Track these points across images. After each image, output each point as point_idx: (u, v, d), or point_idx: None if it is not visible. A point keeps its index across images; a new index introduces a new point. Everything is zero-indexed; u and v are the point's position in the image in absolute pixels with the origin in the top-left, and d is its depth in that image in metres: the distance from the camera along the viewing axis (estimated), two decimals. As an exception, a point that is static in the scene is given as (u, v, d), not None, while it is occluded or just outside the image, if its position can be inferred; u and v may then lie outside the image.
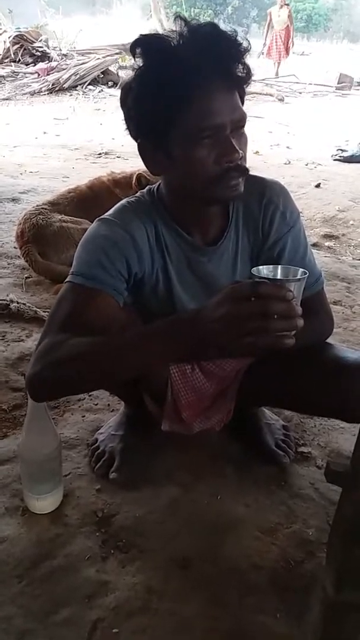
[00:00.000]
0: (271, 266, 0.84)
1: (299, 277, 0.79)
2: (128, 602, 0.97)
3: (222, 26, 0.89)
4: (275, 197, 1.06)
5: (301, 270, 0.81)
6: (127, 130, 0.97)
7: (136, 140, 0.97)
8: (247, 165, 0.96)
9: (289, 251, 1.08)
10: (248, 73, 0.92)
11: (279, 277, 0.82)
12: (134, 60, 0.90)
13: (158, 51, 0.88)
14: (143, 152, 0.97)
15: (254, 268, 0.80)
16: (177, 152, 0.92)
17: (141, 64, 0.90)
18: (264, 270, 0.81)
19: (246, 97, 0.96)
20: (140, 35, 0.91)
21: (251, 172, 1.00)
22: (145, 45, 0.89)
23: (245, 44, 0.89)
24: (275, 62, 10.90)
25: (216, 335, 0.79)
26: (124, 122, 0.96)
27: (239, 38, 0.88)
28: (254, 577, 1.03)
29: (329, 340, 1.18)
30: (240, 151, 0.91)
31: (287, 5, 10.94)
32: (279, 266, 0.84)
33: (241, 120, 0.91)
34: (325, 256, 2.75)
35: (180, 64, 0.85)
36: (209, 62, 0.86)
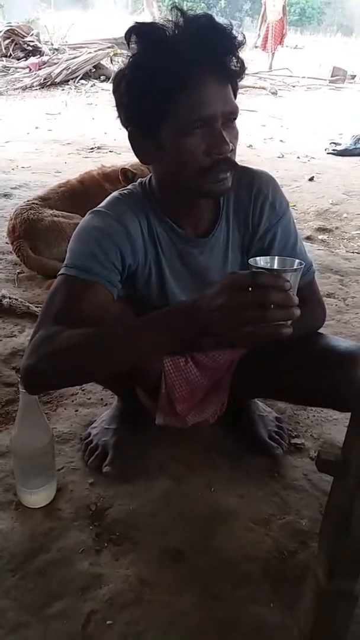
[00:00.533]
0: (268, 257, 0.84)
1: (295, 267, 0.80)
2: (122, 594, 0.97)
3: (217, 19, 0.88)
4: (265, 187, 1.06)
5: (297, 260, 0.81)
6: (118, 119, 0.96)
7: (126, 129, 0.96)
8: (239, 158, 0.96)
9: (279, 241, 1.08)
10: (241, 67, 0.91)
11: (275, 267, 0.83)
12: (128, 47, 0.90)
13: (152, 40, 0.87)
14: (133, 140, 0.97)
15: (251, 259, 0.81)
16: (167, 142, 0.92)
17: (135, 52, 0.89)
18: (261, 261, 0.81)
19: (239, 90, 0.96)
20: (135, 22, 0.90)
21: (241, 164, 0.99)
22: (140, 33, 0.89)
23: (240, 38, 0.89)
24: (269, 54, 10.86)
25: (214, 325, 0.79)
26: (115, 109, 0.95)
27: (233, 31, 0.88)
28: (247, 568, 1.03)
29: (322, 331, 1.18)
30: (231, 144, 0.90)
31: None
32: (276, 257, 0.85)
33: (233, 113, 0.91)
34: (319, 249, 2.75)
35: (174, 54, 0.85)
36: (203, 54, 0.85)
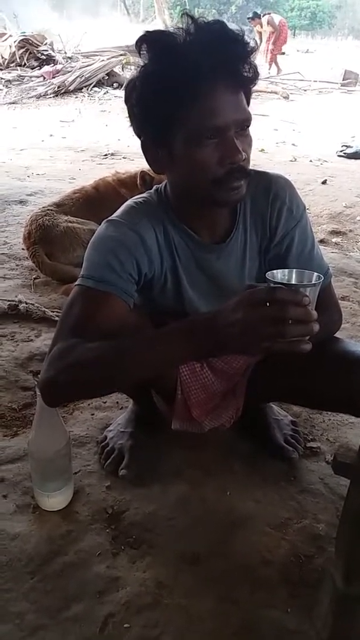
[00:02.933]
0: (286, 270, 0.83)
1: (314, 281, 0.79)
2: (139, 597, 0.97)
3: (229, 25, 0.88)
4: (282, 191, 1.06)
5: (316, 274, 0.80)
6: (130, 127, 0.97)
7: (139, 138, 0.97)
8: (251, 163, 0.96)
9: (296, 245, 1.07)
10: (254, 73, 0.91)
11: (293, 281, 0.82)
12: (139, 56, 0.90)
13: (163, 48, 0.88)
14: (145, 149, 0.97)
15: (269, 272, 0.80)
16: (179, 152, 0.92)
17: (146, 61, 0.89)
18: (279, 275, 0.80)
19: (251, 96, 0.95)
20: (146, 31, 0.90)
21: (256, 168, 0.99)
22: (150, 41, 0.89)
23: (252, 44, 0.89)
24: (268, 63, 11.00)
25: (232, 340, 0.80)
26: (127, 118, 0.96)
27: (245, 37, 0.88)
28: (264, 572, 1.03)
29: (337, 335, 1.18)
30: (244, 153, 0.90)
31: (264, 17, 11.18)
32: (294, 270, 0.83)
33: (246, 121, 0.91)
34: (333, 252, 2.74)
35: (185, 63, 0.85)
36: (214, 62, 0.85)
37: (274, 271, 0.81)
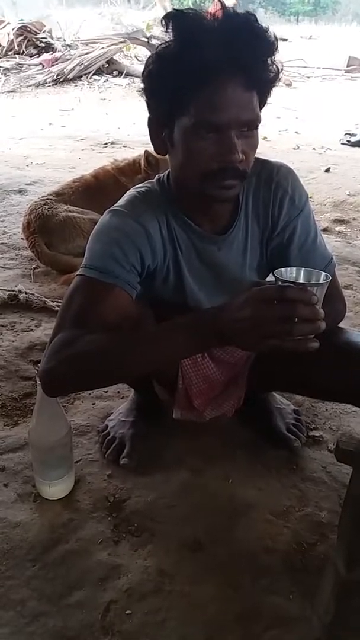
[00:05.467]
0: (294, 268, 0.83)
1: (321, 280, 0.78)
2: (141, 584, 0.98)
3: (257, 21, 0.84)
4: (284, 180, 1.04)
5: (323, 273, 0.80)
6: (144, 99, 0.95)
7: (148, 113, 0.96)
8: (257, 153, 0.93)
9: (299, 235, 1.06)
10: (275, 74, 0.88)
11: (301, 279, 0.81)
12: (166, 32, 0.87)
13: (186, 30, 0.85)
14: (150, 127, 0.96)
15: (276, 270, 0.79)
16: (178, 138, 0.90)
17: (169, 38, 0.87)
18: (286, 273, 0.80)
19: (268, 97, 0.92)
20: (175, 9, 0.88)
21: (258, 157, 0.97)
22: (177, 20, 0.86)
23: (275, 44, 0.86)
24: None
25: (238, 336, 0.80)
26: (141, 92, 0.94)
27: (269, 35, 0.85)
28: (267, 559, 1.03)
29: (340, 323, 1.17)
30: (241, 155, 0.87)
31: None
32: (302, 269, 0.83)
33: (252, 122, 0.88)
34: (336, 240, 2.72)
35: (202, 50, 0.82)
36: (230, 56, 0.82)
37: (282, 269, 0.80)
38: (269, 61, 0.87)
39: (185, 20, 0.86)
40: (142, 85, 0.93)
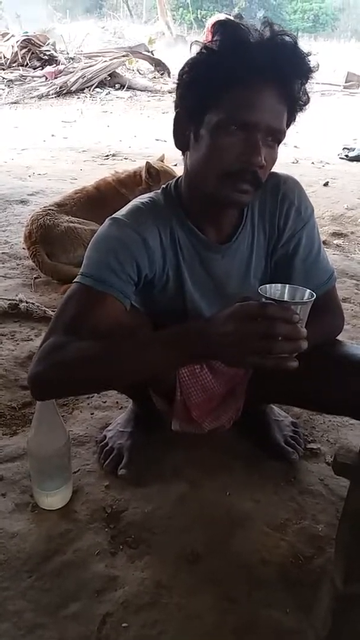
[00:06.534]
0: (279, 285, 0.83)
1: (305, 299, 0.79)
2: (137, 596, 0.97)
3: (300, 44, 0.87)
4: (290, 192, 1.05)
5: (308, 291, 0.80)
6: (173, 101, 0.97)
7: (175, 109, 0.97)
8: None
9: (304, 247, 1.07)
10: (306, 100, 0.91)
11: (286, 297, 0.82)
12: (212, 38, 0.89)
13: (233, 34, 0.87)
14: (177, 122, 0.97)
15: (261, 287, 0.80)
16: (205, 134, 0.91)
17: (214, 43, 0.88)
18: (272, 290, 0.81)
19: (292, 123, 0.94)
20: (227, 17, 0.91)
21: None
22: (226, 27, 0.88)
23: (313, 70, 0.89)
24: None
25: (221, 350, 0.81)
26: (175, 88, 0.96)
27: (309, 60, 0.88)
28: (263, 572, 1.02)
29: (338, 337, 1.17)
30: (263, 160, 0.88)
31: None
32: (287, 286, 0.84)
33: (278, 132, 0.90)
34: (334, 254, 2.74)
35: (245, 54, 0.85)
36: (272, 65, 0.85)
37: (267, 286, 0.81)
38: (304, 84, 0.89)
39: (236, 27, 0.88)
40: (179, 79, 0.93)
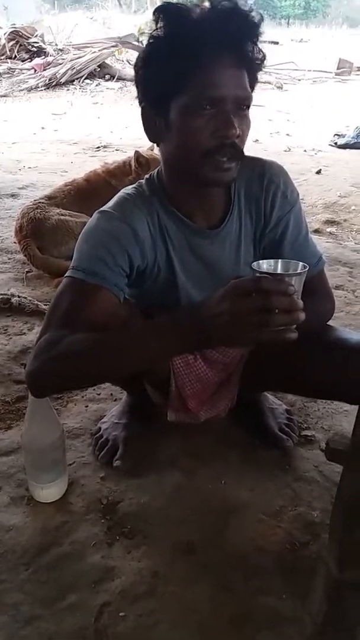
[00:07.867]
0: (272, 260, 0.83)
1: (299, 270, 0.79)
2: (134, 586, 0.98)
3: (241, 5, 0.87)
4: (276, 177, 1.05)
5: (301, 264, 0.80)
6: (136, 97, 0.96)
7: (140, 105, 0.96)
8: (246, 154, 0.94)
9: (291, 230, 1.07)
10: (261, 57, 0.91)
11: (279, 271, 0.82)
12: (156, 26, 0.89)
13: (175, 16, 0.87)
14: (145, 117, 0.96)
15: (254, 262, 0.80)
16: (176, 120, 0.90)
17: (159, 29, 0.89)
18: (265, 265, 0.81)
19: (256, 83, 0.93)
20: (164, 1, 0.91)
21: (250, 155, 0.98)
22: (166, 10, 0.89)
23: (260, 24, 0.88)
24: None
25: (218, 330, 0.80)
26: (134, 84, 0.95)
27: (255, 17, 0.87)
28: (259, 559, 1.03)
29: (330, 323, 1.17)
30: (238, 130, 0.88)
31: None
32: (280, 260, 0.84)
33: (245, 100, 0.90)
34: (327, 242, 2.73)
35: (193, 32, 0.85)
36: (221, 35, 0.85)
37: (260, 261, 0.81)
38: (255, 42, 0.89)
39: (175, 8, 0.88)
40: (137, 75, 0.93)
